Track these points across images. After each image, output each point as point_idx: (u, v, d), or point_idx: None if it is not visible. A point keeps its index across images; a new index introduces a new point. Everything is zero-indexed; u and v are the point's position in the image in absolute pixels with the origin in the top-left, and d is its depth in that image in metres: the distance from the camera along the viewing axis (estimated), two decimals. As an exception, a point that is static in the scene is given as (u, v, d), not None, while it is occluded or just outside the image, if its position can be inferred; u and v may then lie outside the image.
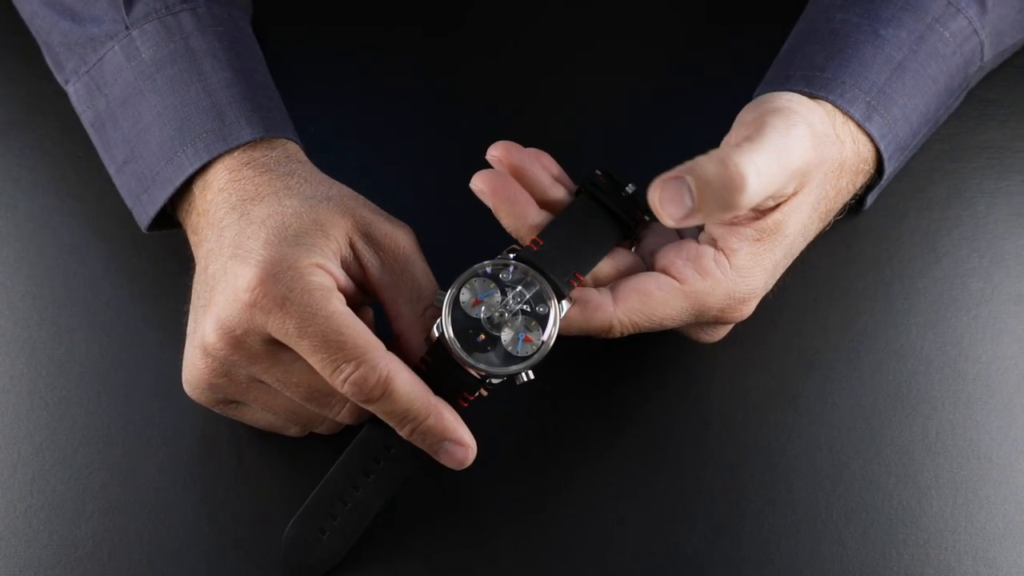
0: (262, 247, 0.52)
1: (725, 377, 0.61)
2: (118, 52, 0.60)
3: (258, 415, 0.56)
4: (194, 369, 0.54)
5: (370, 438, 0.54)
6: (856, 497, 0.58)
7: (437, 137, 0.68)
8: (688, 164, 0.49)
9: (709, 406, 0.60)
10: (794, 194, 0.54)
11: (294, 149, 0.59)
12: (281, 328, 0.51)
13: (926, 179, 0.66)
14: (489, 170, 0.55)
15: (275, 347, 0.52)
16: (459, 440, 0.52)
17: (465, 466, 0.53)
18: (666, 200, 0.49)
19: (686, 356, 0.61)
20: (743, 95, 0.61)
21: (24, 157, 0.67)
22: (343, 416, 0.54)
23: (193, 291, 0.56)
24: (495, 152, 0.56)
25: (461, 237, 0.60)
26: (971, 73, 0.63)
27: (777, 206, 0.54)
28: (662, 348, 0.61)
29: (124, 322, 0.62)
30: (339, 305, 0.51)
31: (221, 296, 0.52)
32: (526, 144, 0.58)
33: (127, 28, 0.60)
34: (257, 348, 0.52)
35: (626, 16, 0.72)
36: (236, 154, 0.57)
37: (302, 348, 0.51)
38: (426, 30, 0.72)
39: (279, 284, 0.51)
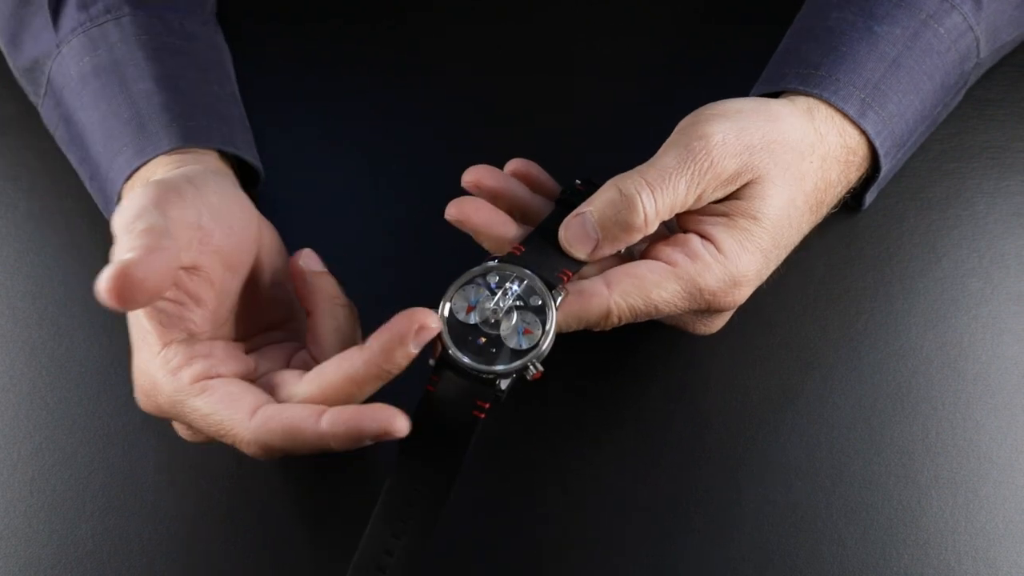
0: (133, 337, 0.54)
1: (724, 377, 0.61)
2: (55, 71, 0.61)
3: None
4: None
5: (399, 484, 0.52)
6: (856, 497, 0.58)
7: (432, 140, 0.68)
8: (589, 199, 0.54)
9: (708, 405, 0.60)
10: (749, 184, 0.55)
11: (208, 159, 0.58)
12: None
13: (926, 179, 0.66)
14: (462, 198, 0.56)
15: None
16: (366, 420, 0.49)
17: (395, 429, 0.49)
18: (573, 239, 0.54)
19: (685, 355, 0.61)
20: (740, 94, 0.61)
21: (24, 157, 0.67)
22: (252, 455, 0.53)
23: None
24: (468, 178, 0.57)
25: (453, 240, 0.60)
26: (968, 70, 0.63)
27: (736, 192, 0.55)
28: (661, 347, 0.61)
29: (124, 322, 0.62)
30: (194, 405, 0.51)
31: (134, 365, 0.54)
32: (525, 146, 0.58)
33: (57, 46, 0.61)
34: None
35: (622, 15, 0.72)
36: (145, 174, 0.58)
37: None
38: (424, 30, 0.72)
39: (150, 400, 0.53)
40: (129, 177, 0.58)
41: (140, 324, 0.53)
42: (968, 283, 0.63)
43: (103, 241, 0.64)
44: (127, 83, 0.59)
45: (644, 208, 0.53)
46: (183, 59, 0.62)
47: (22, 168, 0.66)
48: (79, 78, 0.60)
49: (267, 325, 0.57)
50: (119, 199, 0.59)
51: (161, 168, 0.58)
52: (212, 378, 0.52)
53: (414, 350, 0.50)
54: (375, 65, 0.70)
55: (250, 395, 0.51)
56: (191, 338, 0.53)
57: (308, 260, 0.55)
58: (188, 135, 0.58)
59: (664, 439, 0.59)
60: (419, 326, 0.50)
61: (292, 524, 0.57)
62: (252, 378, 0.53)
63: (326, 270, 0.55)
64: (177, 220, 0.50)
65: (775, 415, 0.60)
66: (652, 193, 0.53)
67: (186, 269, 0.51)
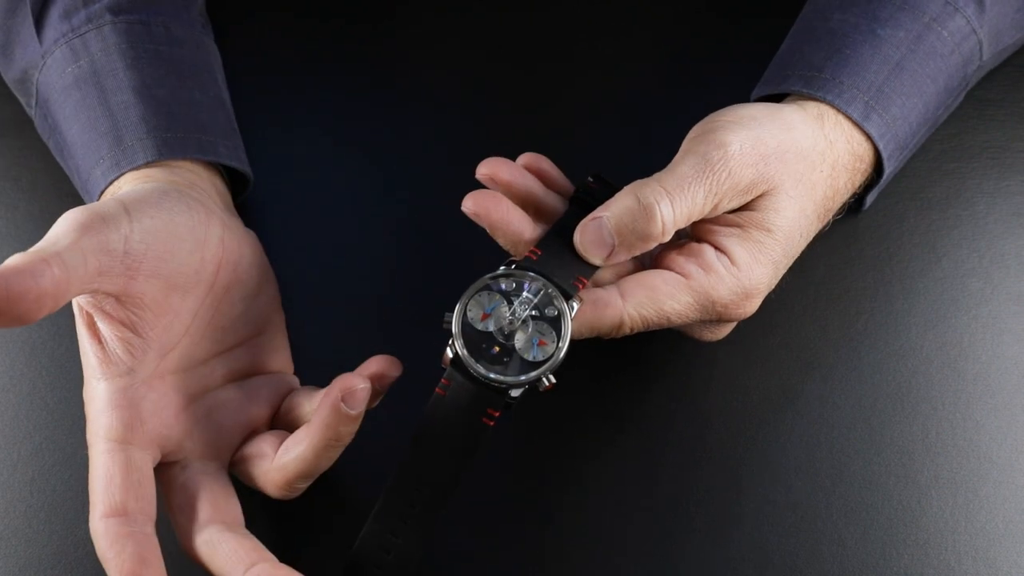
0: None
1: (725, 377, 0.61)
2: (41, 82, 0.61)
3: None
4: None
5: (402, 483, 0.52)
6: (856, 497, 0.58)
7: (434, 139, 0.68)
8: (606, 203, 0.53)
9: (709, 405, 0.60)
10: (763, 196, 0.55)
11: (183, 172, 0.58)
12: None
13: (926, 179, 0.66)
14: (480, 191, 0.55)
15: None
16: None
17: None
18: (589, 243, 0.53)
19: (686, 356, 0.61)
20: (742, 95, 0.61)
21: (24, 157, 0.67)
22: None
23: None
24: (483, 170, 0.56)
25: (455, 240, 0.60)
26: (970, 72, 0.63)
27: (750, 204, 0.55)
28: (661, 348, 0.61)
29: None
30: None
31: None
32: (526, 145, 0.58)
33: (42, 57, 0.60)
34: None
35: (624, 15, 0.72)
36: (108, 191, 0.57)
37: None
38: (426, 29, 0.72)
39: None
40: (104, 191, 0.58)
41: (86, 360, 0.53)
42: (968, 283, 0.63)
43: (103, 241, 0.64)
44: (106, 95, 0.59)
45: (662, 217, 0.52)
46: (164, 66, 0.61)
47: (22, 169, 0.66)
48: (61, 89, 0.59)
49: (236, 342, 0.57)
50: None
51: (129, 183, 0.57)
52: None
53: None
54: (377, 64, 0.70)
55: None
56: (131, 373, 0.52)
57: (351, 399, 0.51)
58: (163, 147, 0.58)
59: (665, 439, 0.59)
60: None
61: (293, 524, 0.57)
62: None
63: (361, 414, 0.52)
64: (93, 247, 0.48)
65: (775, 415, 0.60)
66: (671, 202, 0.52)
67: (116, 297, 0.50)
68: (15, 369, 0.61)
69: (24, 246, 0.64)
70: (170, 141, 0.58)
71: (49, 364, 0.61)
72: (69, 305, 0.62)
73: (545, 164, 0.58)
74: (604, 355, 0.61)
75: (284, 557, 0.52)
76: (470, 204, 0.54)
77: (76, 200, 0.65)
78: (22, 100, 0.63)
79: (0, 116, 0.68)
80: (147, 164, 0.58)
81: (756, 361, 0.61)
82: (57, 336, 0.62)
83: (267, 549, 0.51)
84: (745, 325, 0.60)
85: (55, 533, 0.57)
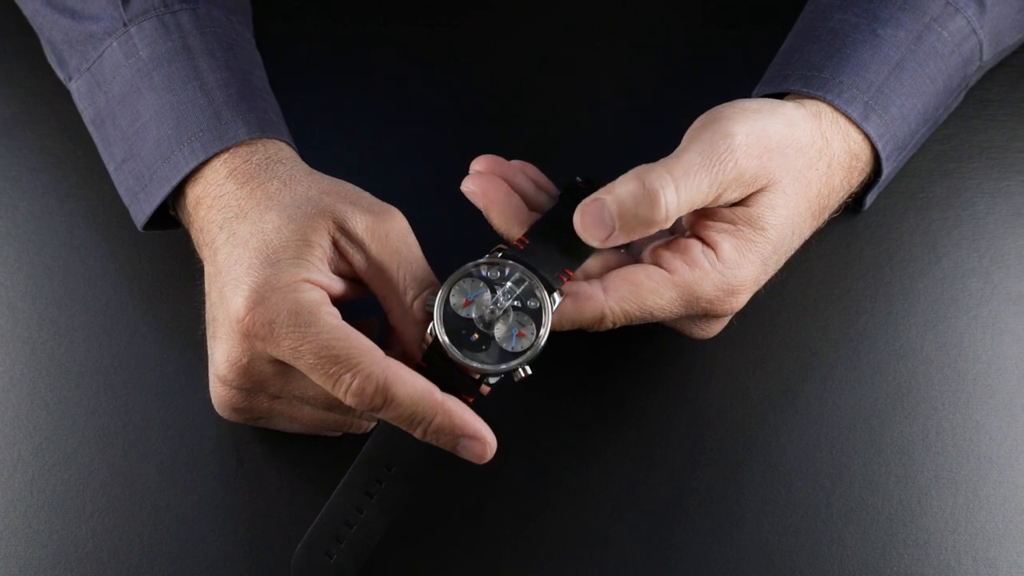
0: (247, 272, 0.52)
1: (725, 377, 0.61)
2: (116, 50, 0.60)
3: (290, 424, 0.56)
4: (216, 396, 0.55)
5: (371, 458, 0.53)
6: (856, 497, 0.58)
7: (432, 136, 0.68)
8: (608, 185, 0.53)
9: (709, 406, 0.60)
10: (760, 191, 0.55)
11: (275, 148, 0.59)
12: (278, 351, 0.51)
13: (926, 179, 0.66)
14: (479, 173, 0.56)
15: (285, 366, 0.52)
16: (474, 435, 0.51)
17: (485, 460, 0.52)
18: (588, 224, 0.53)
19: (685, 356, 0.61)
20: (741, 96, 0.61)
21: (24, 157, 0.67)
22: (369, 423, 0.54)
23: (206, 313, 0.56)
24: (477, 167, 0.57)
25: (455, 234, 0.60)
26: (970, 72, 0.63)
27: (746, 200, 0.55)
28: (661, 348, 0.61)
29: (124, 322, 0.62)
30: (328, 319, 0.51)
31: (222, 328, 0.53)
32: (520, 146, 0.58)
33: (125, 25, 0.60)
34: (268, 371, 0.53)
35: (623, 17, 0.72)
36: (219, 164, 0.57)
37: (301, 367, 0.51)
38: (425, 29, 0.72)
39: (266, 309, 0.51)
40: (206, 162, 0.58)
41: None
42: (968, 283, 0.63)
43: (103, 241, 0.64)
44: (201, 72, 0.59)
45: (666, 204, 0.52)
46: (250, 56, 0.62)
47: (22, 168, 0.66)
48: (150, 60, 0.59)
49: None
50: (182, 182, 0.58)
51: (240, 157, 0.57)
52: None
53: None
54: (378, 66, 0.71)
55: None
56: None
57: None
58: (265, 127, 0.59)
59: (665, 439, 0.59)
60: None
61: (293, 524, 0.57)
62: None
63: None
64: None
65: (775, 415, 0.60)
66: (676, 189, 0.52)
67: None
68: (15, 369, 0.61)
69: (24, 246, 0.64)
70: (267, 122, 0.59)
71: (49, 364, 0.61)
72: (66, 305, 0.62)
73: (531, 170, 0.58)
74: (604, 355, 0.61)
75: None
76: (469, 184, 0.56)
77: (76, 200, 0.65)
78: (69, 61, 0.62)
79: (0, 115, 0.68)
80: (248, 141, 0.58)
81: (756, 362, 0.61)
82: (57, 336, 0.62)
83: None
84: (745, 325, 0.60)
85: (55, 533, 0.57)
